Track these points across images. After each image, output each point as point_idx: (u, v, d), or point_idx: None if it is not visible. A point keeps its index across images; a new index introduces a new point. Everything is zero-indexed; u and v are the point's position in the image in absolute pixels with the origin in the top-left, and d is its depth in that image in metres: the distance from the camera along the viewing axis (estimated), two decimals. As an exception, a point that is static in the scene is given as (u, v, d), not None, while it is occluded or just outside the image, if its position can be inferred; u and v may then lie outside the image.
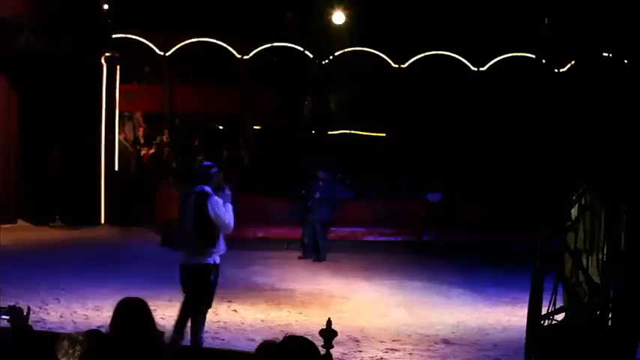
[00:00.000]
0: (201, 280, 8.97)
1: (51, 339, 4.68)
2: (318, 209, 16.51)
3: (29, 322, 5.08)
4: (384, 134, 23.73)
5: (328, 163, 18.07)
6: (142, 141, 21.75)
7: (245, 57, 23.05)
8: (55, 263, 14.24)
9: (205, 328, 10.33)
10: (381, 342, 10.24)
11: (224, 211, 8.92)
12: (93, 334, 4.67)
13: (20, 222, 18.41)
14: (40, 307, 10.96)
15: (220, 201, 8.95)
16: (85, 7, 18.79)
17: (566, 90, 7.49)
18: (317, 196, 16.55)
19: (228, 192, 9.10)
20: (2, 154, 18.49)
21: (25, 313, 5.01)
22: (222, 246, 9.09)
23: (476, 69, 23.59)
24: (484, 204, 18.81)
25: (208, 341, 8.98)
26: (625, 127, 6.99)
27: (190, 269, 9.02)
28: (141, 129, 22.06)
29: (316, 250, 16.50)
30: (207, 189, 9.02)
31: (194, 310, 9.03)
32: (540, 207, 7.31)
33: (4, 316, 4.94)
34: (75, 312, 10.93)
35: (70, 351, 4.52)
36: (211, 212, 8.87)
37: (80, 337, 4.59)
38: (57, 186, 18.72)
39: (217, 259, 9.07)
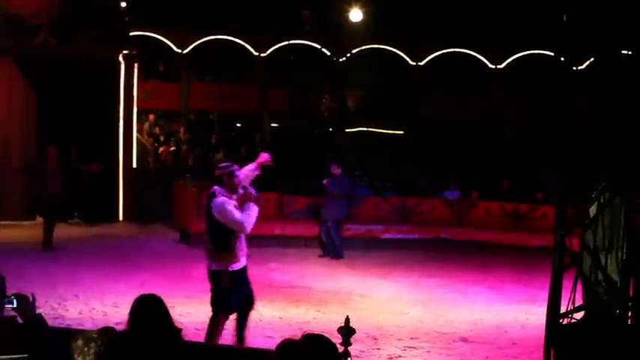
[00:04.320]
0: (215, 287, 8.65)
1: (68, 335, 4.67)
2: (331, 206, 16.46)
3: (44, 315, 5.05)
4: (401, 132, 23.69)
5: (345, 160, 18.00)
6: (161, 139, 21.84)
7: (262, 54, 23.07)
8: (73, 260, 14.30)
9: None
10: (399, 340, 10.21)
11: (231, 210, 8.37)
12: (107, 332, 4.66)
13: (39, 219, 18.46)
14: (59, 304, 11.00)
15: (226, 201, 8.41)
16: (103, 5, 18.85)
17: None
18: (329, 192, 16.46)
19: (251, 191, 8.57)
20: (21, 152, 18.58)
21: (30, 300, 4.96)
22: (240, 250, 8.61)
23: (493, 67, 23.52)
24: (502, 202, 18.73)
25: (227, 338, 8.97)
26: None
27: (209, 275, 8.72)
28: (157, 127, 22.15)
29: (333, 247, 16.47)
30: (216, 190, 8.53)
31: (212, 314, 8.74)
32: (560, 205, 7.26)
33: (8, 305, 4.86)
34: (93, 308, 10.95)
35: (85, 349, 4.51)
36: (216, 215, 8.44)
37: (94, 335, 4.58)
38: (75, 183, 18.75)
39: (235, 266, 8.57)
